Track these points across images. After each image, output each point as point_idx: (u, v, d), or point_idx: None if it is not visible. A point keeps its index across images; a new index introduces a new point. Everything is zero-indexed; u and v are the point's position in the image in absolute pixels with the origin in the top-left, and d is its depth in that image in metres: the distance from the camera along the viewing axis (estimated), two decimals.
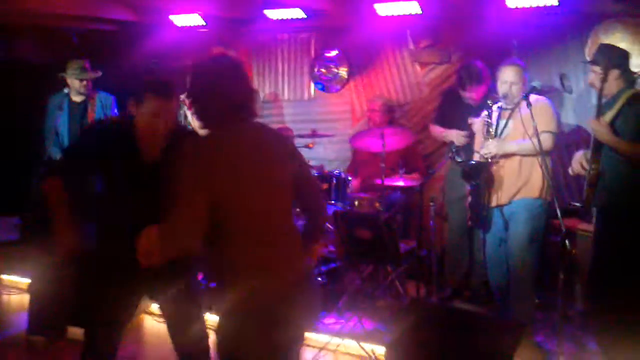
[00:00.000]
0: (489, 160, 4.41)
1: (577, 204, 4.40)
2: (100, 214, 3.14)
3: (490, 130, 4.45)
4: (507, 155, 4.41)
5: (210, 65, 2.59)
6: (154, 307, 3.90)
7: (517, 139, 4.38)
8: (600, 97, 3.98)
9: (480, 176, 4.39)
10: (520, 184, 4.39)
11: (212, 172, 2.38)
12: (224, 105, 2.49)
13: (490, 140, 4.42)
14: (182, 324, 3.26)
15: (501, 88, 4.49)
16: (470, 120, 5.04)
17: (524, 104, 4.22)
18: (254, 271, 2.43)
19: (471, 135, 5.01)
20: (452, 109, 5.29)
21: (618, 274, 3.99)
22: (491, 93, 4.67)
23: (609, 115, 3.98)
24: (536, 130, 4.04)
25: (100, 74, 5.92)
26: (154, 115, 3.02)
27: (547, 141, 4.30)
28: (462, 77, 5.14)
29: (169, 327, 3.33)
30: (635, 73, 4.10)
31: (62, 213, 3.09)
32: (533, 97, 4.33)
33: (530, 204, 4.37)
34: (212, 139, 2.49)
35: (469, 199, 4.51)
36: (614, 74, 3.99)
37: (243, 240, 2.43)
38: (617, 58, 4.01)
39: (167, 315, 3.34)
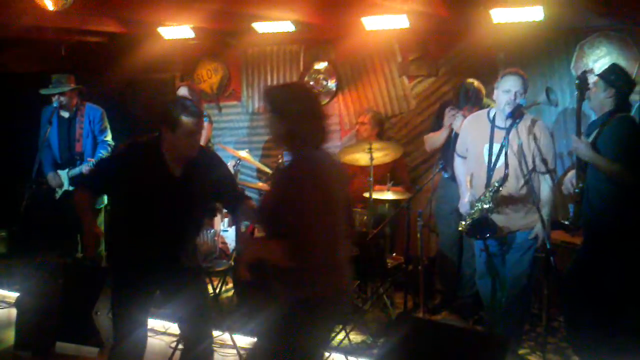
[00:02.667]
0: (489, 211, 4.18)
1: (565, 222, 4.42)
2: (133, 225, 3.52)
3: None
4: (512, 201, 4.24)
5: (304, 89, 2.97)
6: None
7: (514, 165, 4.15)
8: (579, 116, 4.07)
9: (486, 231, 4.20)
10: (521, 223, 4.28)
11: (322, 187, 2.68)
12: (315, 128, 2.80)
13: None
14: (193, 342, 3.59)
15: (503, 98, 4.17)
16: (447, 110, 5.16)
17: (521, 126, 4.11)
18: (330, 270, 2.75)
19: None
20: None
21: (599, 289, 4.05)
22: None
23: (594, 133, 4.05)
24: (541, 168, 4.11)
25: (72, 87, 5.84)
26: (191, 133, 3.38)
27: (551, 181, 4.24)
28: (460, 96, 5.10)
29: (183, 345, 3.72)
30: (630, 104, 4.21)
31: (87, 219, 3.61)
32: (528, 120, 4.20)
33: (526, 236, 4.28)
34: (314, 159, 2.77)
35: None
36: (610, 92, 4.07)
37: (325, 245, 2.71)
38: (618, 79, 4.09)
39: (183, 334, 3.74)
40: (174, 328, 4.80)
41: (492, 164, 4.22)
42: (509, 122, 4.18)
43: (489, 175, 4.23)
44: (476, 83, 5.19)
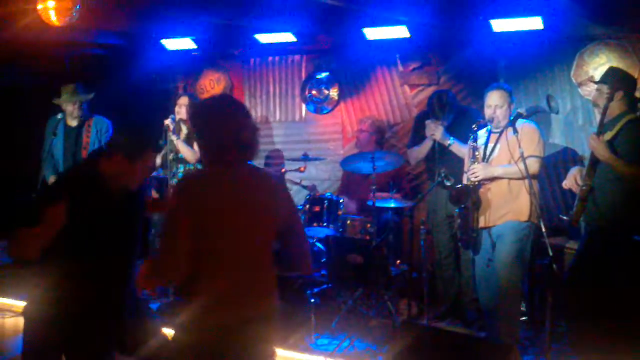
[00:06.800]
0: (476, 183, 4.50)
1: (565, 217, 4.50)
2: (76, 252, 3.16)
3: (477, 154, 4.54)
4: (495, 179, 4.50)
5: (210, 104, 2.69)
6: None
7: (503, 163, 4.48)
8: (603, 115, 4.12)
9: (468, 199, 4.47)
10: (508, 207, 4.48)
11: (194, 208, 2.47)
12: (216, 144, 2.57)
13: (477, 164, 4.51)
14: None
15: (486, 112, 4.60)
16: (427, 122, 5.21)
17: (510, 129, 4.34)
18: (214, 303, 2.50)
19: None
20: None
21: (598, 289, 4.10)
22: (478, 117, 4.77)
23: (608, 135, 4.11)
24: (522, 155, 4.16)
25: (92, 95, 5.99)
26: (149, 167, 3.22)
27: (533, 166, 4.40)
28: (434, 107, 5.20)
29: None
30: (638, 99, 4.24)
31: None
32: (520, 122, 4.44)
33: (517, 226, 4.45)
34: (199, 177, 2.62)
35: (458, 221, 4.58)
36: (619, 95, 4.14)
37: (213, 272, 2.52)
38: (624, 81, 4.18)
39: None
40: None
41: (486, 159, 4.57)
42: (498, 128, 4.56)
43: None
44: (450, 92, 5.37)
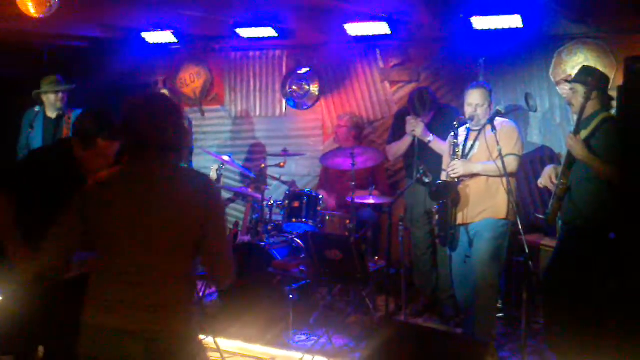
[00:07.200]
0: (456, 180, 4.52)
1: (541, 216, 4.54)
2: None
3: (457, 150, 4.57)
4: (473, 176, 4.53)
5: (138, 100, 2.56)
6: None
7: (482, 160, 4.50)
8: (580, 115, 4.15)
9: (448, 195, 4.50)
10: (486, 204, 4.51)
11: (97, 209, 2.41)
12: (134, 143, 2.45)
13: (457, 160, 4.53)
14: None
15: (467, 110, 4.63)
16: (407, 118, 5.25)
17: (489, 126, 4.37)
18: (103, 308, 2.39)
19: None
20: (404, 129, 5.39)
21: (576, 287, 4.13)
22: (457, 115, 4.80)
23: (584, 133, 4.15)
24: (500, 153, 4.19)
25: (74, 86, 5.91)
26: (103, 156, 3.23)
27: (511, 164, 4.44)
28: (415, 104, 5.24)
29: None
30: (612, 98, 4.28)
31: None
32: (499, 120, 4.48)
33: (494, 224, 4.49)
34: (110, 176, 2.48)
35: (436, 217, 4.61)
36: (593, 94, 4.16)
37: (108, 276, 2.41)
38: (598, 80, 4.20)
39: None
40: None
41: (465, 156, 4.61)
42: (478, 126, 4.61)
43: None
44: (429, 89, 5.42)
